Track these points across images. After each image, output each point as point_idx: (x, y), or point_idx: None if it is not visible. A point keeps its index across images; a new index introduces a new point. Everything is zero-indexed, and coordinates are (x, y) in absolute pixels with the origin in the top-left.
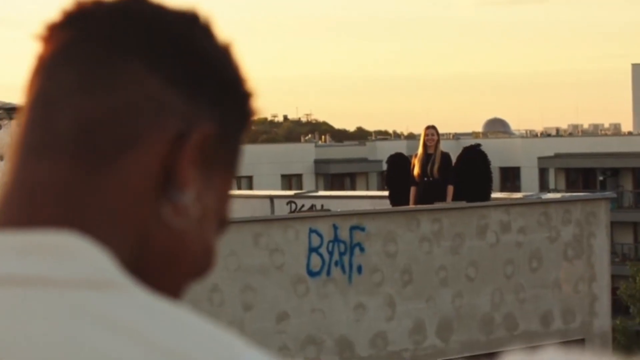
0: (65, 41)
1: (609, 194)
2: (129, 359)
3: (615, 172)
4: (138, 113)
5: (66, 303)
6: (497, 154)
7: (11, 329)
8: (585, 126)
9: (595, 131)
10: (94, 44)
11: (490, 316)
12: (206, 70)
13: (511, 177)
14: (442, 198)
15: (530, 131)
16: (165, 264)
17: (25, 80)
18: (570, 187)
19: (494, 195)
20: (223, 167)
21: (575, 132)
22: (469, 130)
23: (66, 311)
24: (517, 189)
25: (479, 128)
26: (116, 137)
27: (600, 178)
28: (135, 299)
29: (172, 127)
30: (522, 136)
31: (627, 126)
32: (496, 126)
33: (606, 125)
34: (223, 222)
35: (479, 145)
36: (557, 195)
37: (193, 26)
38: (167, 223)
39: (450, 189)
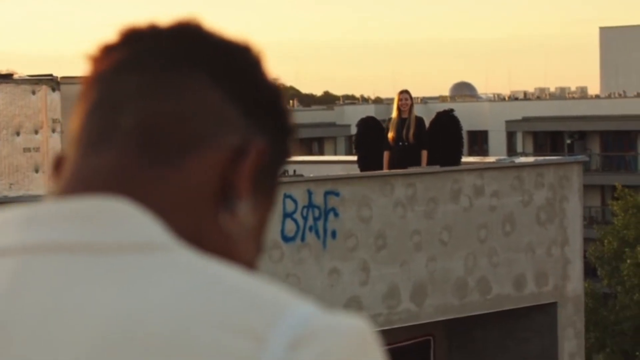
0: (123, 56)
1: (581, 157)
2: (174, 319)
3: (582, 136)
4: (201, 121)
5: (114, 266)
6: (465, 117)
7: (66, 295)
8: (552, 89)
9: (562, 94)
10: (157, 56)
11: (463, 280)
12: (261, 94)
13: (479, 141)
14: (416, 163)
15: (498, 95)
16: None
17: (78, 97)
18: (537, 150)
19: (466, 159)
20: (266, 192)
21: (542, 95)
22: (436, 94)
23: (115, 275)
24: (485, 152)
25: (446, 92)
26: (179, 139)
27: (568, 141)
28: (183, 260)
29: (231, 139)
30: (489, 100)
31: (593, 89)
32: (463, 90)
33: (573, 89)
34: (260, 247)
35: (452, 110)
36: (530, 159)
37: (249, 53)
38: (223, 229)
39: (424, 154)
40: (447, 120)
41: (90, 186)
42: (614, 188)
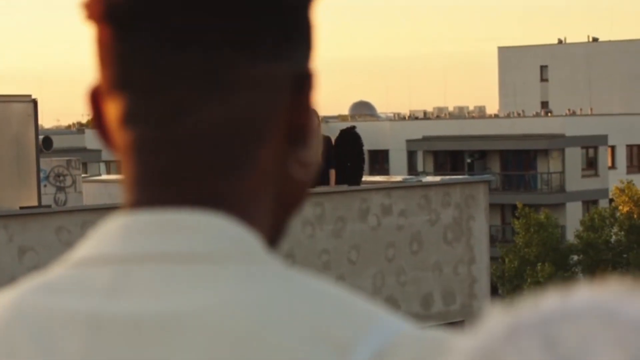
0: (132, 36)
1: (487, 177)
2: (259, 325)
3: (482, 155)
4: (254, 106)
5: (208, 275)
6: (366, 136)
7: (162, 301)
8: (451, 109)
9: (461, 114)
10: (170, 42)
11: (372, 299)
12: (284, 20)
13: (380, 160)
14: (325, 182)
15: (397, 114)
16: (287, 210)
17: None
18: (438, 169)
19: (373, 178)
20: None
21: (441, 114)
22: (335, 113)
23: (208, 283)
24: (386, 171)
25: (346, 111)
26: (243, 142)
27: (468, 160)
28: (274, 269)
29: (284, 96)
30: (390, 119)
31: (491, 109)
32: (363, 109)
33: (471, 108)
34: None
35: (354, 127)
36: (437, 179)
37: None
38: (294, 178)
39: (332, 173)
40: (349, 138)
41: (173, 196)
42: (514, 207)
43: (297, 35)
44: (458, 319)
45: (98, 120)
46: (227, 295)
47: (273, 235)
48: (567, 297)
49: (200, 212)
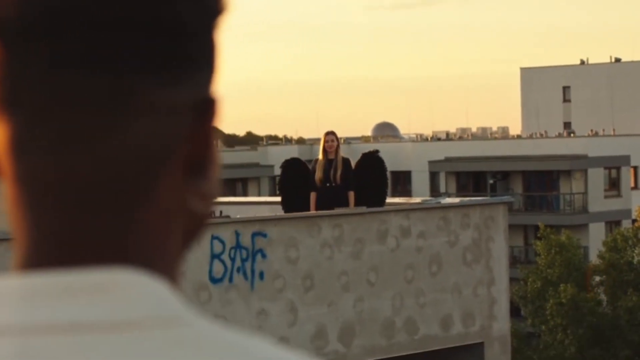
0: (23, 53)
1: (506, 198)
2: None
3: (505, 176)
4: (155, 135)
5: (134, 346)
6: (388, 158)
7: None
8: (474, 130)
9: (484, 135)
10: (66, 63)
11: (391, 320)
12: (188, 43)
13: (402, 181)
14: (343, 204)
15: (420, 135)
16: (186, 245)
17: None
18: (460, 190)
19: (392, 200)
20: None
21: (464, 135)
22: (358, 134)
23: (136, 356)
24: (408, 193)
25: (368, 132)
26: (144, 175)
27: (491, 181)
28: (208, 333)
29: (186, 123)
30: (412, 140)
31: (514, 129)
32: (385, 130)
33: (494, 129)
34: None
35: (377, 151)
36: (456, 200)
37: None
38: (194, 212)
39: (352, 195)
40: (372, 161)
41: (72, 248)
42: (536, 228)
43: (201, 59)
44: (477, 340)
45: None
46: None
47: (175, 274)
48: None
49: (108, 270)
